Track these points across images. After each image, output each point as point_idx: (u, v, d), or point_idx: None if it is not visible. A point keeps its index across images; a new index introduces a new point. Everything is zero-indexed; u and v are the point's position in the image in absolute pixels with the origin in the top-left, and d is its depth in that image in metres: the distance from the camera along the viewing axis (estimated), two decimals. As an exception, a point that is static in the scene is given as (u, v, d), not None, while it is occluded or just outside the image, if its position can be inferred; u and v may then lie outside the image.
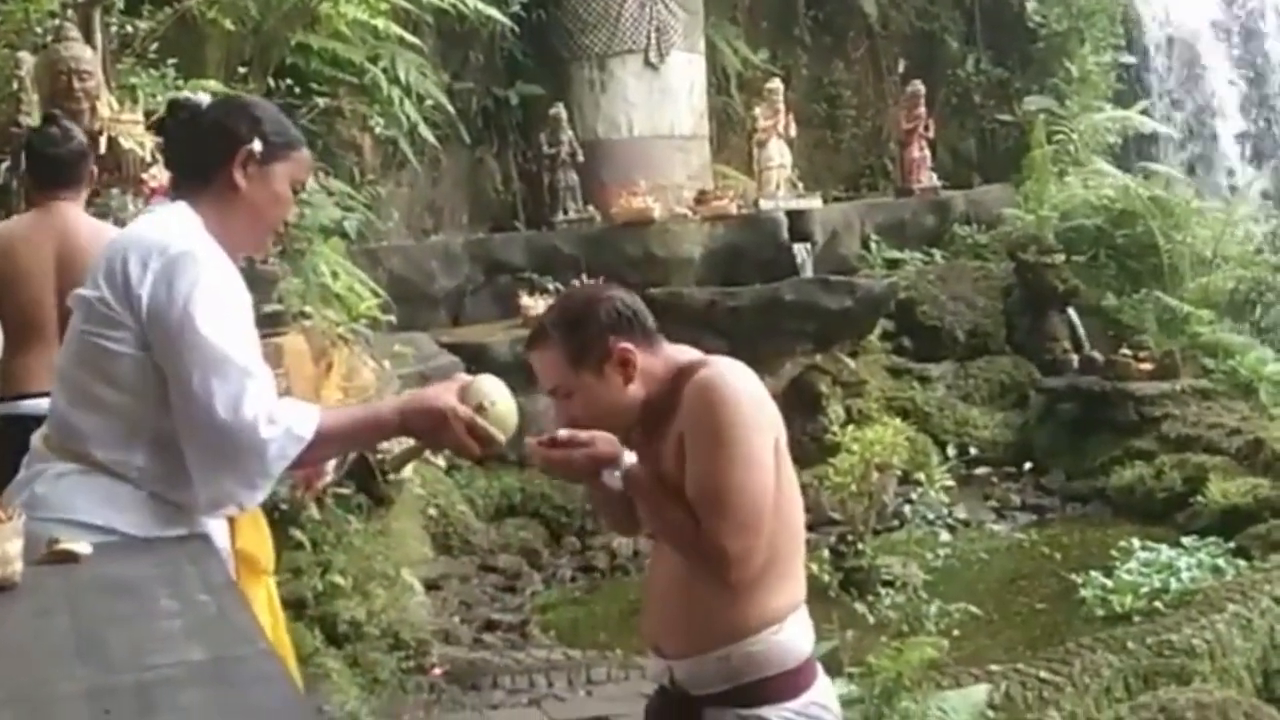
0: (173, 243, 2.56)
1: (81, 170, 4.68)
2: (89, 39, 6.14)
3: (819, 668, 2.68)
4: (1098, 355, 9.84)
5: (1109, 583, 6.77)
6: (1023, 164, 12.55)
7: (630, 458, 2.56)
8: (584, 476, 2.63)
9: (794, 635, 2.60)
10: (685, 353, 2.67)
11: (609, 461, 2.55)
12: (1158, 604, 6.47)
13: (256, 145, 2.69)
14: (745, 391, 2.54)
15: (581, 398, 2.61)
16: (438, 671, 5.92)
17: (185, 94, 3.02)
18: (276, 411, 2.51)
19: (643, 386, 2.60)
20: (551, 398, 2.66)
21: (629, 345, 2.59)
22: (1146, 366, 9.46)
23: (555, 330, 2.63)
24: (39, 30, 6.83)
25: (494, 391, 2.62)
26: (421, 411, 2.62)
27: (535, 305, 9.39)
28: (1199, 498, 7.92)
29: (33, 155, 4.76)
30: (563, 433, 2.56)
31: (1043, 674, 5.38)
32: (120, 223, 5.22)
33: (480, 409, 2.59)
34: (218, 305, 2.54)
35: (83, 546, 2.31)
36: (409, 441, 2.83)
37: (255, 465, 2.52)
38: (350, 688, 5.40)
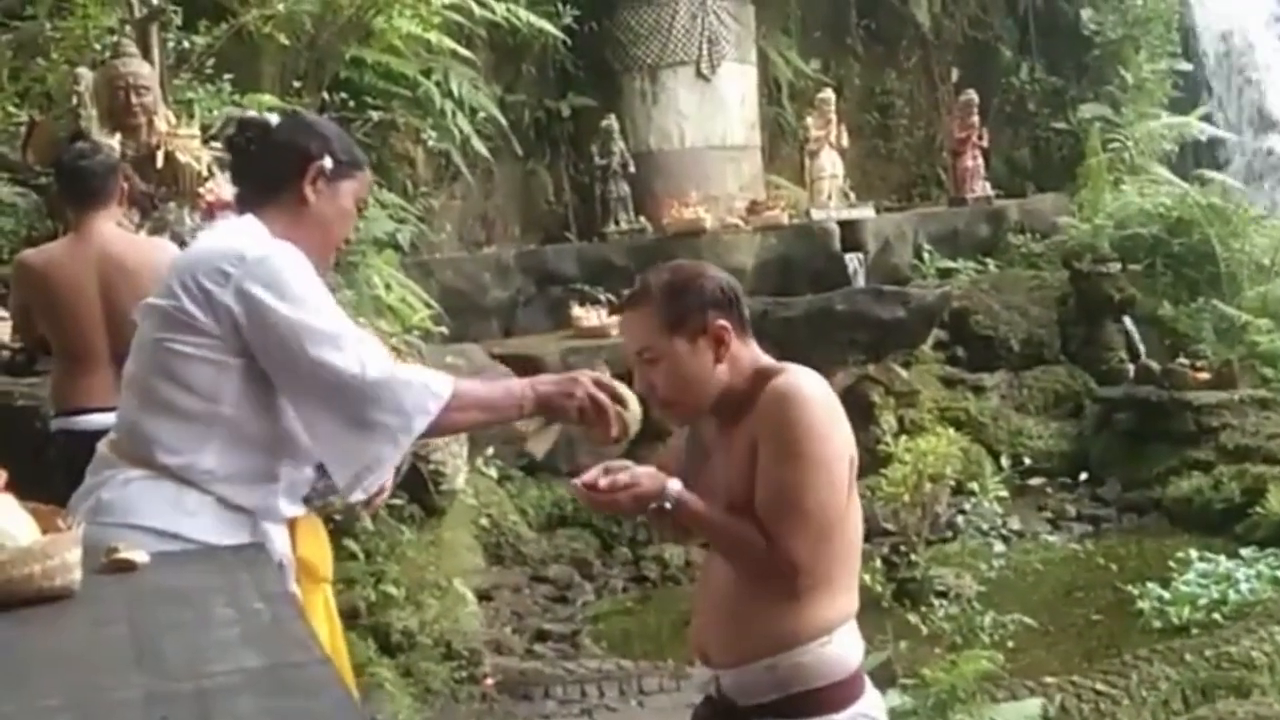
0: (248, 249, 2.63)
1: (111, 183, 4.73)
2: (146, 54, 6.23)
3: (867, 680, 2.66)
4: (1154, 365, 9.73)
5: (1166, 594, 6.69)
6: (1078, 172, 12.45)
7: (675, 486, 2.52)
8: (631, 514, 2.62)
9: (843, 647, 2.58)
10: (766, 356, 2.66)
11: (654, 498, 2.51)
12: (1216, 616, 6.39)
13: (327, 162, 2.77)
14: (823, 403, 2.52)
15: (667, 366, 2.58)
16: (490, 681, 5.94)
17: (253, 113, 3.09)
18: (405, 369, 2.62)
19: (728, 373, 2.59)
20: (635, 360, 2.63)
21: (726, 325, 2.58)
22: (1204, 376, 9.35)
23: (659, 292, 2.60)
24: (97, 46, 6.94)
25: (626, 391, 2.71)
26: (551, 378, 2.74)
27: (587, 316, 9.42)
28: (1258, 508, 7.81)
29: (63, 172, 4.82)
30: (603, 481, 2.51)
31: (1099, 686, 5.33)
32: (177, 236, 5.29)
33: (617, 399, 2.68)
34: (308, 293, 2.62)
35: (140, 555, 2.34)
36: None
37: (395, 421, 2.58)
38: (403, 697, 5.43)
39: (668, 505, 2.51)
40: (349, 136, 2.96)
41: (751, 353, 2.64)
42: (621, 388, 2.72)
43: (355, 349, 2.59)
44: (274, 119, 2.91)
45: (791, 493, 2.47)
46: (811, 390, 2.52)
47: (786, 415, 2.48)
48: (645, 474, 2.54)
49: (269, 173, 2.78)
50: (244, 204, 2.83)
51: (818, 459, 2.48)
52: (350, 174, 2.83)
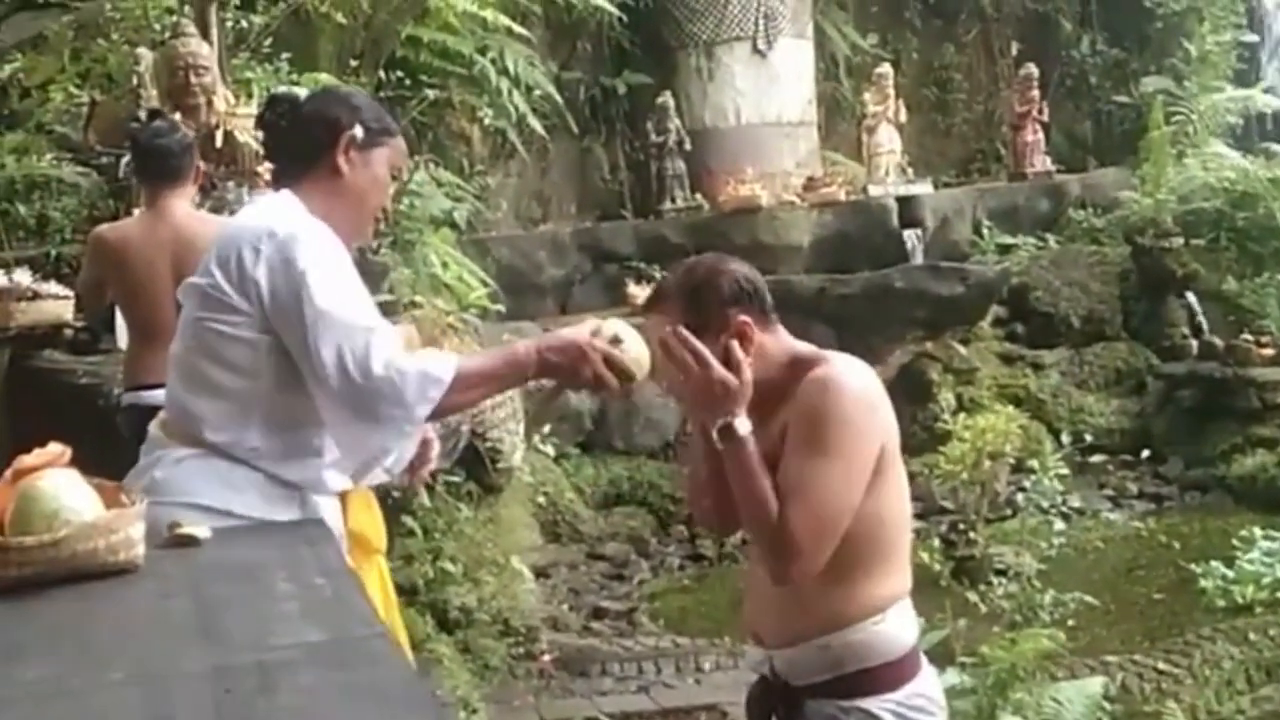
0: (279, 227, 2.63)
1: (187, 162, 4.75)
2: (205, 35, 6.27)
3: (923, 659, 2.62)
4: (1217, 341, 9.61)
5: (1230, 573, 6.60)
6: (1140, 146, 12.25)
7: (746, 422, 2.46)
8: (705, 406, 2.49)
9: (896, 626, 2.54)
10: (802, 344, 2.62)
11: (730, 404, 2.44)
12: (1280, 595, 6.32)
13: (358, 131, 2.77)
14: (859, 394, 2.47)
15: None
16: (547, 658, 5.97)
17: (282, 89, 3.10)
18: (406, 360, 2.59)
19: (756, 365, 2.54)
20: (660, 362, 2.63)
21: (748, 320, 2.55)
22: (1268, 352, 9.23)
23: (677, 294, 2.58)
24: (157, 27, 7.01)
25: (624, 330, 2.69)
26: (558, 347, 2.69)
27: (643, 294, 9.40)
28: (1323, 487, 7.72)
29: (139, 150, 4.84)
30: (701, 345, 2.45)
31: (1161, 666, 5.29)
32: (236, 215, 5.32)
33: (615, 342, 2.66)
34: (331, 276, 2.61)
35: (203, 531, 2.36)
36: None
37: (398, 412, 2.58)
38: (461, 673, 5.46)
39: (737, 423, 2.44)
40: (379, 105, 2.95)
41: (780, 341, 2.60)
42: (626, 340, 2.68)
43: (363, 340, 2.57)
44: (302, 92, 2.92)
45: (811, 479, 2.43)
46: (848, 380, 2.47)
47: (819, 406, 2.44)
48: (739, 385, 2.46)
49: (301, 146, 2.78)
50: (279, 180, 2.83)
51: (844, 454, 2.43)
52: (382, 141, 2.81)
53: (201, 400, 2.67)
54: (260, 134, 3.03)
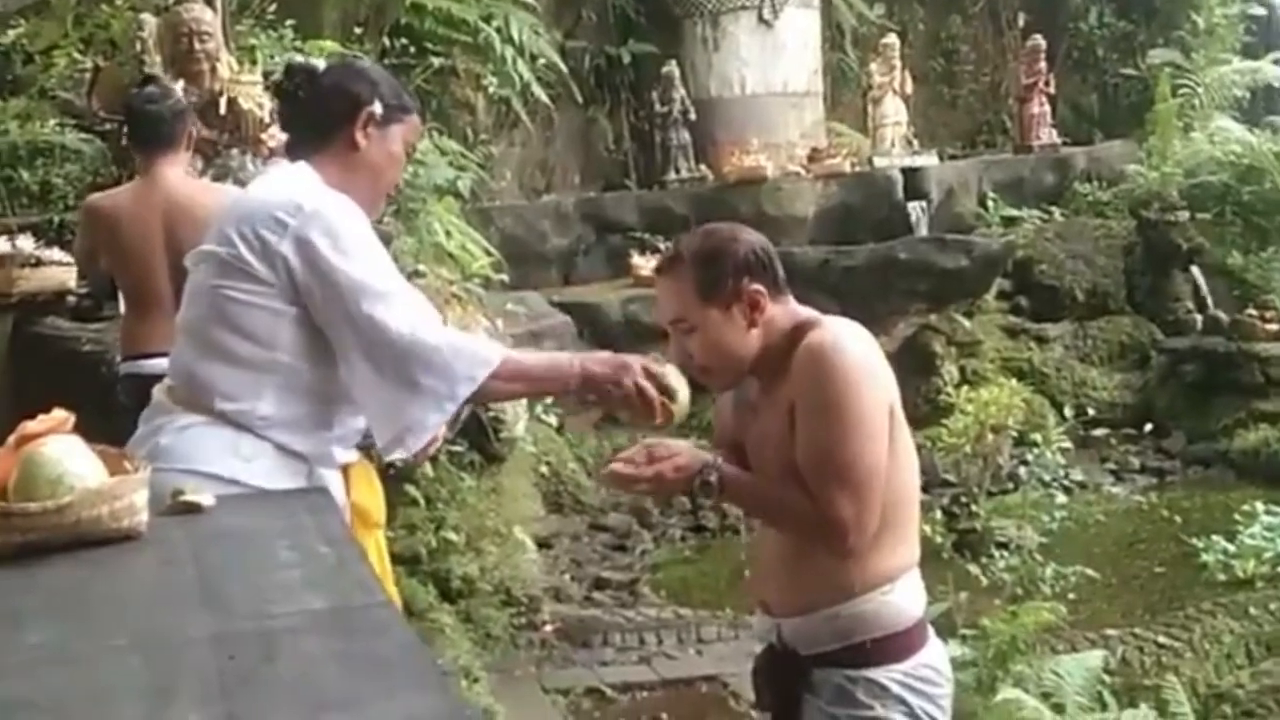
0: (305, 200, 2.63)
1: (179, 129, 4.73)
2: (209, 1, 6.24)
3: (930, 631, 2.63)
4: (1222, 315, 9.60)
5: (1231, 547, 6.62)
6: (1146, 119, 12.21)
7: (715, 458, 2.51)
8: (675, 490, 2.57)
9: (904, 597, 2.56)
10: (805, 309, 2.63)
11: (696, 470, 2.50)
12: (1281, 570, 6.32)
13: (377, 107, 2.77)
14: (859, 357, 2.48)
15: (702, 334, 2.56)
16: (549, 628, 5.98)
17: (300, 58, 3.08)
18: (458, 335, 2.63)
19: (763, 335, 2.56)
20: (670, 329, 2.62)
21: (760, 289, 2.56)
22: (1273, 327, 9.22)
23: (691, 260, 2.58)
24: (161, -7, 6.96)
25: (675, 377, 2.66)
26: (602, 359, 2.71)
27: (646, 265, 9.40)
28: (1326, 462, 7.73)
29: (133, 115, 4.82)
30: (640, 456, 2.51)
31: (1161, 639, 5.29)
32: (241, 183, 5.30)
33: (663, 390, 2.65)
34: (365, 247, 2.63)
35: (206, 498, 2.36)
36: None
37: (442, 386, 2.59)
38: (463, 642, 5.48)
39: (711, 478, 2.49)
40: (396, 81, 2.94)
41: (787, 310, 2.60)
42: (671, 377, 2.67)
43: (407, 309, 2.59)
44: (320, 64, 2.91)
45: (830, 448, 2.43)
46: (843, 342, 2.48)
47: (820, 370, 2.45)
48: (684, 447, 2.54)
49: (320, 119, 2.77)
50: (295, 151, 2.82)
51: (853, 412, 2.43)
52: (400, 118, 2.82)
53: (215, 367, 2.66)
54: (276, 102, 3.02)
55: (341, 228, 2.61)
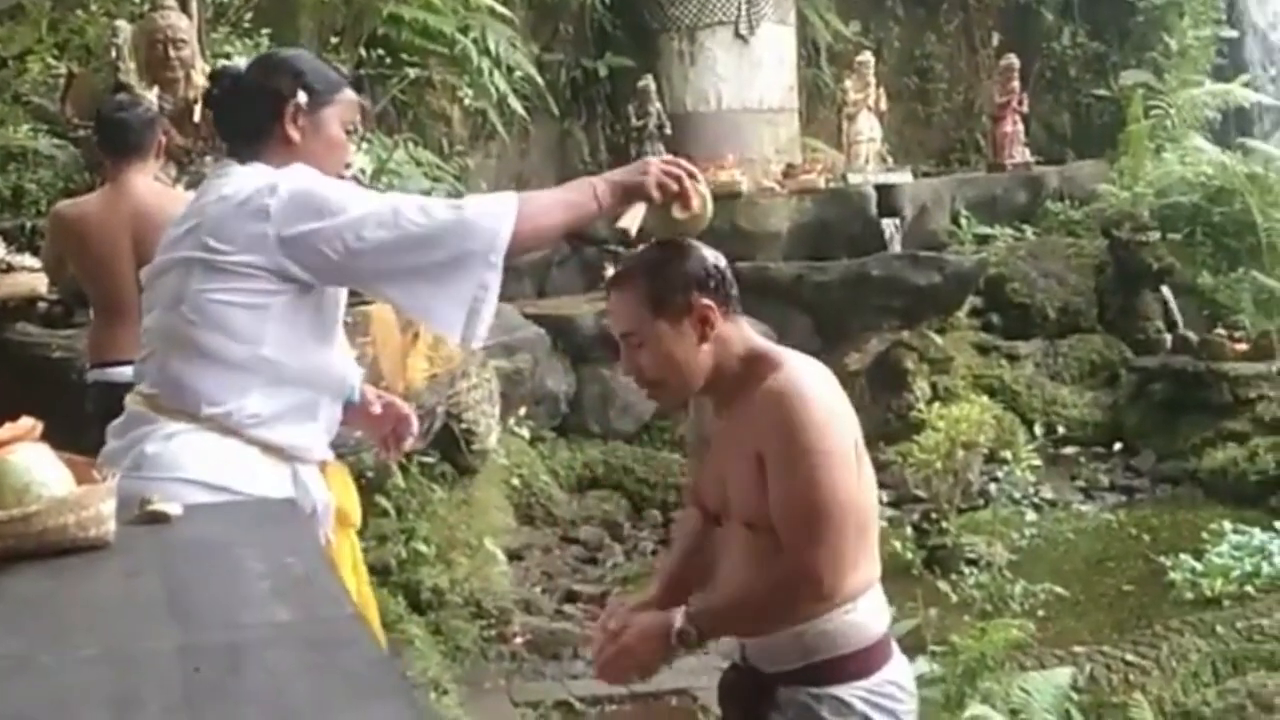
0: (277, 180, 2.63)
1: (149, 137, 4.73)
2: (185, 8, 6.23)
3: (894, 647, 2.65)
4: (1192, 335, 9.65)
5: (1199, 566, 6.65)
6: (1118, 139, 12.30)
7: (678, 617, 2.52)
8: (654, 654, 2.56)
9: (867, 614, 2.56)
10: (758, 339, 2.64)
11: (664, 627, 2.52)
12: (1249, 588, 6.33)
13: (302, 97, 2.75)
14: (825, 401, 2.48)
15: (652, 348, 2.56)
16: (519, 641, 5.97)
17: (223, 63, 3.09)
18: (466, 200, 2.67)
19: (715, 353, 2.56)
20: (622, 343, 2.62)
21: (710, 304, 2.55)
22: (1242, 347, 9.28)
23: (642, 274, 2.60)
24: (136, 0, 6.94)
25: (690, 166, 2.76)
26: (620, 170, 2.77)
27: (621, 278, 9.40)
28: (1293, 481, 7.77)
29: (102, 123, 4.83)
30: (596, 639, 2.63)
31: (1129, 657, 5.31)
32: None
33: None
34: (344, 196, 2.64)
35: (173, 508, 2.35)
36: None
37: (478, 243, 2.57)
38: (432, 654, 5.46)
39: (690, 630, 2.51)
40: (322, 63, 2.93)
41: (740, 331, 2.60)
42: (687, 164, 2.73)
43: (409, 209, 2.60)
44: (242, 64, 2.90)
45: (805, 494, 2.43)
46: (806, 389, 2.47)
47: (789, 422, 2.43)
48: (639, 617, 2.58)
49: (248, 121, 2.77)
50: (236, 157, 2.80)
51: (825, 457, 2.43)
52: (329, 100, 2.79)
53: (201, 372, 2.66)
54: (208, 111, 3.02)
55: (317, 188, 2.63)
